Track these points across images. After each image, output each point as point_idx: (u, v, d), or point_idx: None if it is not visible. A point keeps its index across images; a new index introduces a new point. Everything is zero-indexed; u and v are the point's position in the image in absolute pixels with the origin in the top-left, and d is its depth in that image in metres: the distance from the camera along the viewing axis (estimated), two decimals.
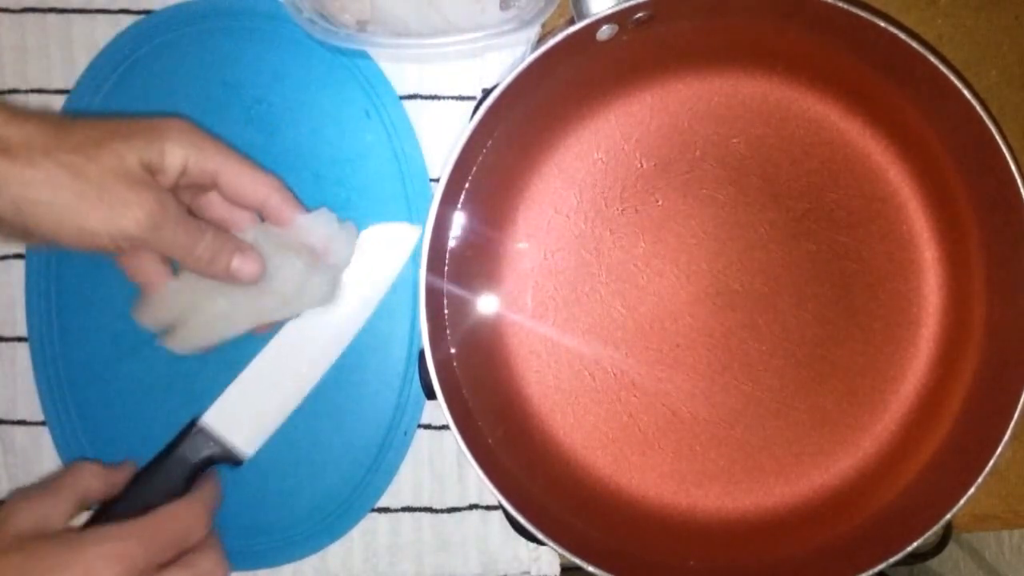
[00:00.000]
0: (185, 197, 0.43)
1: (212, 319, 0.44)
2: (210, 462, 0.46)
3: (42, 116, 0.38)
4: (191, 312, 0.44)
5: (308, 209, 0.45)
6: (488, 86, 0.44)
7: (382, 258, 0.48)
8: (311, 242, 0.45)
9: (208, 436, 0.46)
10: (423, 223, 0.42)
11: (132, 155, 0.39)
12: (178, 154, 0.40)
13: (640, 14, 0.41)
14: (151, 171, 0.40)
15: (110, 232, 0.38)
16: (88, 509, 0.44)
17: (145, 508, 0.42)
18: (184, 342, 0.45)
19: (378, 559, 0.49)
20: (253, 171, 0.43)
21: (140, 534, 0.41)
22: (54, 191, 0.37)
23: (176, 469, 0.45)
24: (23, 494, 0.42)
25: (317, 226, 0.45)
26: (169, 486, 0.45)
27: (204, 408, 0.47)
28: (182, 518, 0.42)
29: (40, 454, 0.49)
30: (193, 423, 0.46)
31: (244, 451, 0.47)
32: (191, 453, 0.45)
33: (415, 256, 0.48)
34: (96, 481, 0.44)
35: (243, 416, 0.46)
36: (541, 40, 0.46)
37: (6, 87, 0.49)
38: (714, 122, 0.47)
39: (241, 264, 0.42)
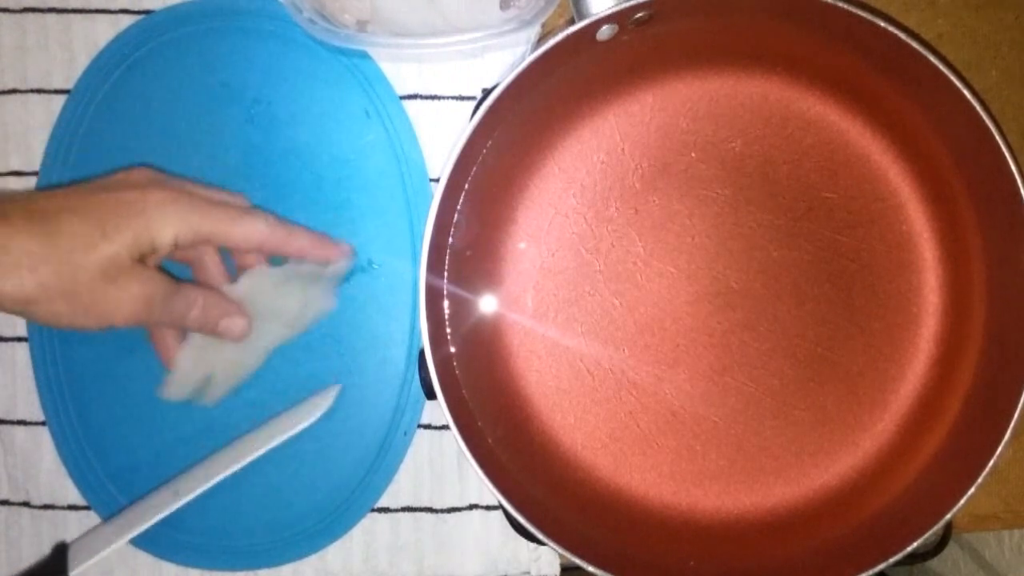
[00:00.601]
0: (177, 254, 0.45)
1: (230, 366, 0.47)
2: None
3: (28, 212, 0.39)
4: (209, 369, 0.46)
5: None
6: (488, 86, 0.44)
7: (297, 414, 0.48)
8: (307, 271, 0.47)
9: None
10: (423, 223, 0.42)
11: (123, 253, 0.40)
12: (167, 235, 0.41)
13: (640, 14, 0.41)
14: (143, 256, 0.41)
15: (101, 326, 0.41)
16: None
17: None
18: (215, 396, 0.47)
19: (378, 559, 0.49)
20: (243, 224, 0.44)
21: None
22: (47, 302, 0.39)
23: None
24: None
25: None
26: None
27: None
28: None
29: (40, 454, 0.49)
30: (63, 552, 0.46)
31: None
32: None
33: (415, 256, 0.48)
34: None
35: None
36: (541, 40, 0.46)
37: (6, 87, 0.49)
38: (714, 122, 0.47)
39: (228, 326, 0.45)
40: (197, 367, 0.46)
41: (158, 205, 0.41)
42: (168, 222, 0.41)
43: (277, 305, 0.46)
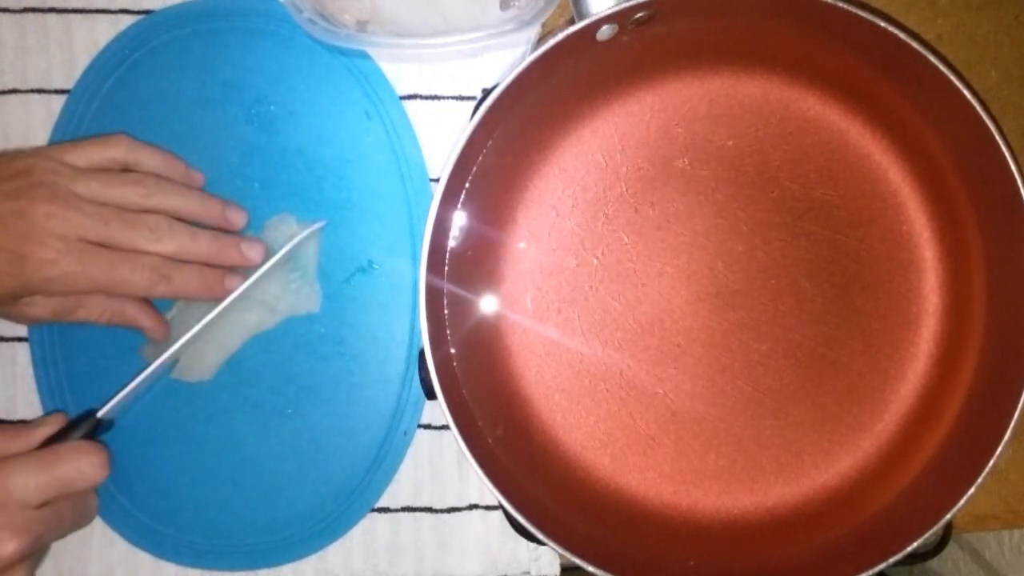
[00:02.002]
0: None
1: (207, 345, 0.48)
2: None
3: None
4: (187, 343, 0.47)
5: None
6: (488, 86, 0.44)
7: None
8: (275, 244, 0.48)
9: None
10: (423, 223, 0.42)
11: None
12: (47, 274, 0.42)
13: (640, 14, 0.41)
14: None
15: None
16: None
17: None
18: (190, 371, 0.48)
19: (378, 559, 0.49)
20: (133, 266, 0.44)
21: (27, 465, 0.42)
22: None
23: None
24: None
25: (279, 230, 0.48)
26: None
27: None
28: (71, 458, 0.43)
29: None
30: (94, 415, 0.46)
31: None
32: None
33: (415, 256, 0.48)
34: (13, 443, 0.44)
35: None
36: (541, 40, 0.46)
37: (6, 87, 0.49)
38: (714, 122, 0.47)
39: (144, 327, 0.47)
40: (174, 335, 0.47)
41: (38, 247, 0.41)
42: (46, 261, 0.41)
43: (254, 283, 0.47)
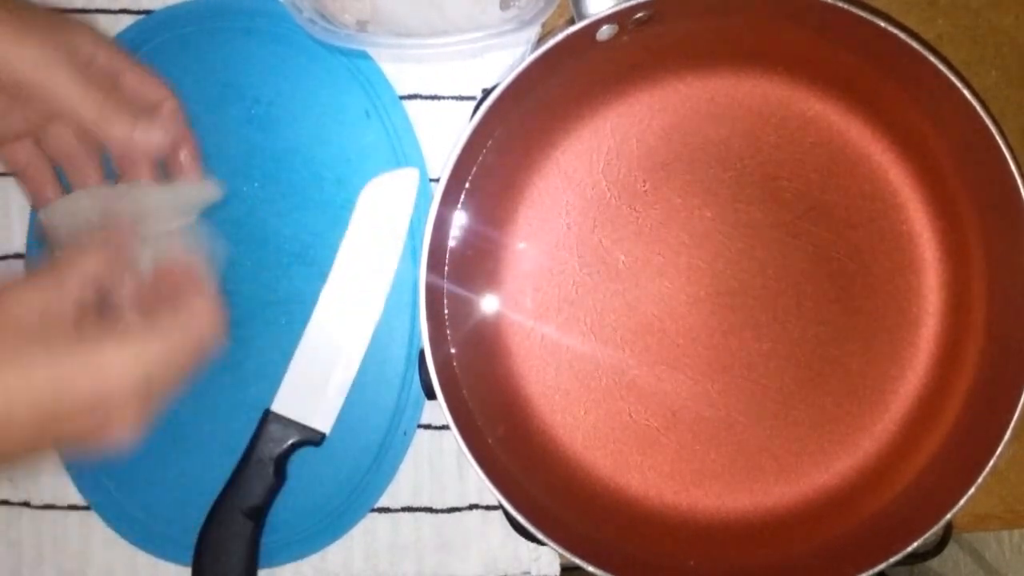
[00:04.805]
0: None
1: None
2: (292, 448, 0.47)
3: None
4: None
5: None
6: (488, 86, 0.44)
7: (389, 207, 0.48)
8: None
9: (285, 422, 0.47)
10: (423, 223, 0.42)
11: None
12: None
13: (640, 14, 0.41)
14: None
15: None
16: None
17: (247, 509, 0.46)
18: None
19: (378, 559, 0.49)
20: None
21: (165, 337, 0.37)
22: None
23: (264, 462, 0.46)
24: (21, 280, 0.37)
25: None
26: (264, 481, 0.46)
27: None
28: (201, 317, 0.38)
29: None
30: (267, 413, 0.47)
31: (321, 430, 0.47)
32: (274, 444, 0.46)
33: (415, 256, 0.48)
34: (102, 264, 0.38)
35: (311, 396, 0.47)
36: (541, 40, 0.46)
37: None
38: (714, 122, 0.47)
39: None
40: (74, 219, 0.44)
41: None
42: None
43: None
